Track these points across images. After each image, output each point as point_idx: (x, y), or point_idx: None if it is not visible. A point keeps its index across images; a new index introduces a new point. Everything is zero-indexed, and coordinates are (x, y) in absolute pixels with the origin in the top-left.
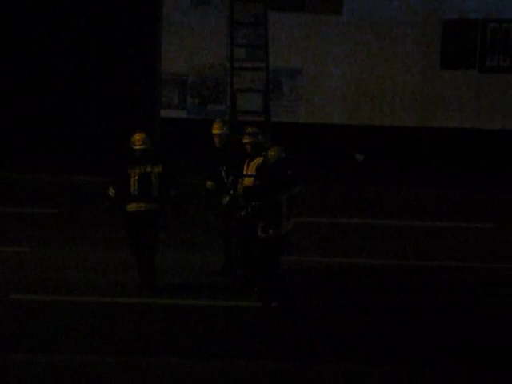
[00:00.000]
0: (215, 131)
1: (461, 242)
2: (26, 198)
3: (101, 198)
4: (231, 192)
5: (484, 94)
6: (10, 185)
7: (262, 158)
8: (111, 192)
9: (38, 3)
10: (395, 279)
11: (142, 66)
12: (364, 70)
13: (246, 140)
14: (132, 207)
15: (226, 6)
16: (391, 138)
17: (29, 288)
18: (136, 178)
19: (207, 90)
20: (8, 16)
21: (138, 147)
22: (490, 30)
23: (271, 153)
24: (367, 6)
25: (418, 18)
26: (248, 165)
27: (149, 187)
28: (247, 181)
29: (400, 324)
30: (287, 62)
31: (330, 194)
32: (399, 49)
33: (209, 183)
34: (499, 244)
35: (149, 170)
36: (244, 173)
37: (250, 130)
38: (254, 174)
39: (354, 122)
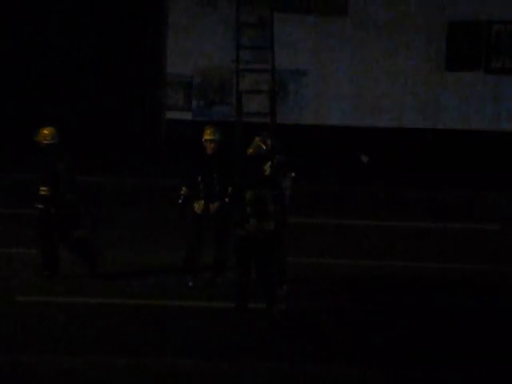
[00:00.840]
0: (208, 137)
1: (466, 244)
2: (30, 199)
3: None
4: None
5: (490, 95)
6: (13, 186)
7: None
8: (44, 191)
9: (43, 5)
10: (397, 281)
11: (147, 68)
12: (369, 72)
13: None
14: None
15: (231, 8)
16: (396, 140)
17: (34, 289)
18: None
19: (213, 91)
20: (14, 20)
21: (47, 142)
22: (495, 31)
23: (249, 150)
24: (372, 7)
25: (423, 20)
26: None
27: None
28: None
29: (401, 326)
30: (293, 63)
31: (335, 194)
32: (405, 50)
33: (184, 189)
34: (505, 245)
35: (61, 165)
36: None
37: (263, 133)
38: None
39: (360, 124)
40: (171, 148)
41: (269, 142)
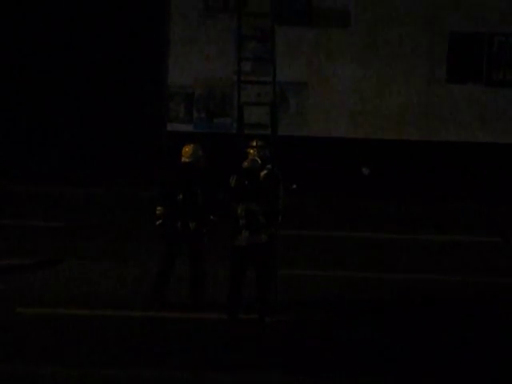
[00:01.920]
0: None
1: (467, 256)
2: (32, 211)
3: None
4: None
5: (491, 107)
6: (16, 198)
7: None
8: None
9: (44, 11)
10: (397, 293)
11: (148, 80)
12: (370, 84)
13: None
14: None
15: (232, 20)
16: (397, 152)
17: (35, 301)
18: None
19: (214, 103)
20: (15, 29)
21: None
22: (497, 43)
23: (244, 163)
24: (374, 19)
25: (424, 32)
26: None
27: None
28: None
29: (398, 338)
30: (294, 75)
31: (336, 207)
32: (406, 62)
33: (159, 209)
34: (507, 258)
35: None
36: None
37: (258, 143)
38: None
39: (361, 136)
40: (172, 160)
41: (267, 152)
